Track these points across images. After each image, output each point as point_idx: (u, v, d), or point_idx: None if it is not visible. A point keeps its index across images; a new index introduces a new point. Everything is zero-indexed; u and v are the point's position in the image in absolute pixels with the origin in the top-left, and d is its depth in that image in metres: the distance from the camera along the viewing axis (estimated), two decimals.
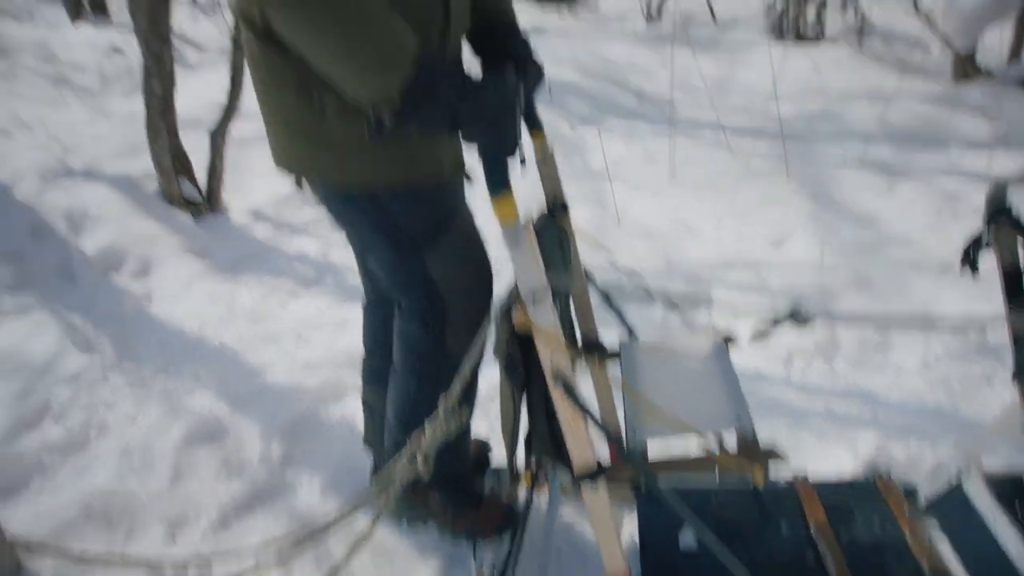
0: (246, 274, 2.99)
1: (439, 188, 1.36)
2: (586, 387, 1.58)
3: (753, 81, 5.70)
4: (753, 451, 1.28)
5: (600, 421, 1.13)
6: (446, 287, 1.40)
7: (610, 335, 1.67)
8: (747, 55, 6.47)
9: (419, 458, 1.17)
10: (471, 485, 1.69)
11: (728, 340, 1.54)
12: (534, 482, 1.63)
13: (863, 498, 1.47)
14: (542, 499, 1.69)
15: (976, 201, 3.28)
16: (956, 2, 4.88)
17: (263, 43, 1.17)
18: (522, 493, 1.70)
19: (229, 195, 3.58)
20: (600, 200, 3.56)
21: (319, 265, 3.09)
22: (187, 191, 3.39)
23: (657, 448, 1.43)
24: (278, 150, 1.33)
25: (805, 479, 1.53)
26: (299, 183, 1.47)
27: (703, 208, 3.53)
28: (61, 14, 7.69)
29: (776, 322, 1.31)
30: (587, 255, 1.63)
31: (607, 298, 1.59)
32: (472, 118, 1.00)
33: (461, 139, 1.04)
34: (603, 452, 1.26)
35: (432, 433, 1.17)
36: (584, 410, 1.11)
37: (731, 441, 1.32)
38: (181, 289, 2.87)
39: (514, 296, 1.11)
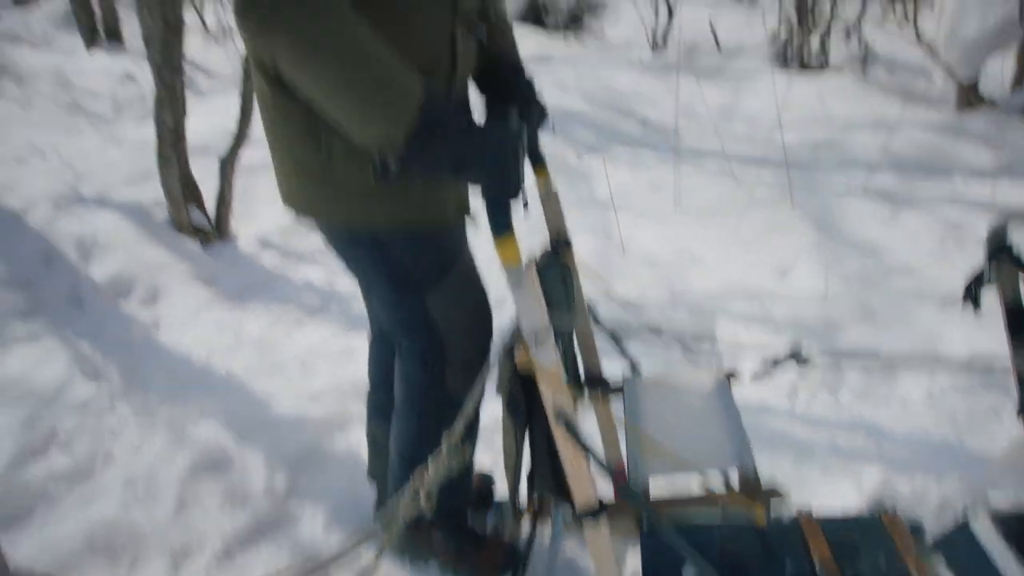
0: (253, 302, 3.02)
1: (443, 231, 1.38)
2: (589, 421, 1.59)
3: (757, 109, 5.74)
4: (755, 490, 1.28)
5: (602, 459, 1.14)
6: (446, 327, 1.41)
7: (613, 366, 1.68)
8: (751, 83, 6.51)
9: (422, 494, 1.18)
10: (473, 523, 1.69)
11: (731, 376, 1.55)
12: (536, 518, 1.63)
13: (868, 534, 1.45)
14: (545, 535, 1.68)
15: (980, 230, 3.30)
16: (958, 32, 4.91)
17: (273, 86, 1.20)
18: (525, 529, 1.70)
19: (237, 222, 3.62)
20: (605, 229, 3.58)
21: (324, 294, 3.11)
22: (196, 219, 3.43)
23: (659, 484, 1.44)
24: (285, 189, 1.36)
25: (809, 514, 1.52)
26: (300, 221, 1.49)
27: (708, 236, 3.54)
28: (77, 41, 7.83)
29: (777, 363, 1.31)
30: (591, 288, 1.65)
31: (612, 335, 1.60)
32: (475, 162, 1.02)
33: (465, 182, 1.06)
34: (605, 488, 1.27)
35: (435, 470, 1.18)
36: (586, 449, 1.12)
37: (734, 478, 1.32)
38: (189, 317, 2.90)
39: (516, 336, 1.13)
